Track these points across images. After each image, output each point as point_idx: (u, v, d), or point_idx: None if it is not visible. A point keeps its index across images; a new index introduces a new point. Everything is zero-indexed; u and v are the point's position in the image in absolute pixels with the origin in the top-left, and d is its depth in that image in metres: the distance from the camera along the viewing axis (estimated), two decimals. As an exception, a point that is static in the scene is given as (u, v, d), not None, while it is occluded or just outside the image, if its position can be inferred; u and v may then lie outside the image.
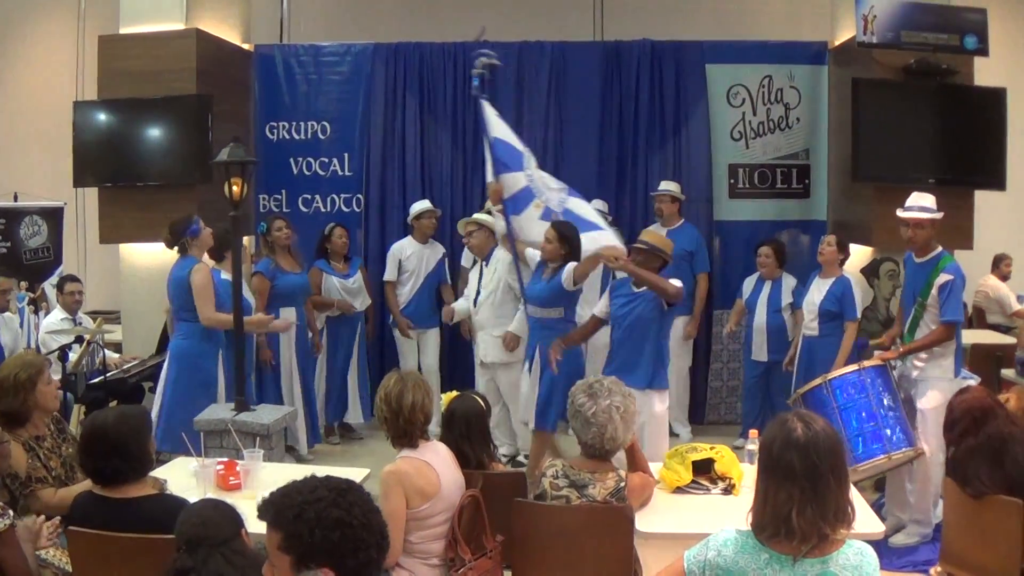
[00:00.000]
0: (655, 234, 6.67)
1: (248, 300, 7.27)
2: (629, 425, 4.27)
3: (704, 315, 8.79)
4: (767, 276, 8.06)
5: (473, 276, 8.13)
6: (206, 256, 7.09)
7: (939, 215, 6.08)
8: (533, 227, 7.03)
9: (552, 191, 7.17)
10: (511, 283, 7.55)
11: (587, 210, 7.19)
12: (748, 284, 8.28)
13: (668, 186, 8.60)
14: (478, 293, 7.86)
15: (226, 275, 7.02)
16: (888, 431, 5.86)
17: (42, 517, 4.06)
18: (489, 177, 7.45)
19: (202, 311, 6.72)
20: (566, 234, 6.82)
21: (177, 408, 6.65)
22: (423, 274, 8.54)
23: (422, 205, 8.68)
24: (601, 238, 6.91)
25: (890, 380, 6.07)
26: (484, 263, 7.85)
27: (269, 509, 2.57)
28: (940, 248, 6.13)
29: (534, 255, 7.17)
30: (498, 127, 7.25)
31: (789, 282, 8.01)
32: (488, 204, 7.89)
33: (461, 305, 8.11)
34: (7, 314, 8.26)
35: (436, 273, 8.68)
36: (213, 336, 6.84)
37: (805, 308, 7.53)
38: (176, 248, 6.88)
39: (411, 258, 8.50)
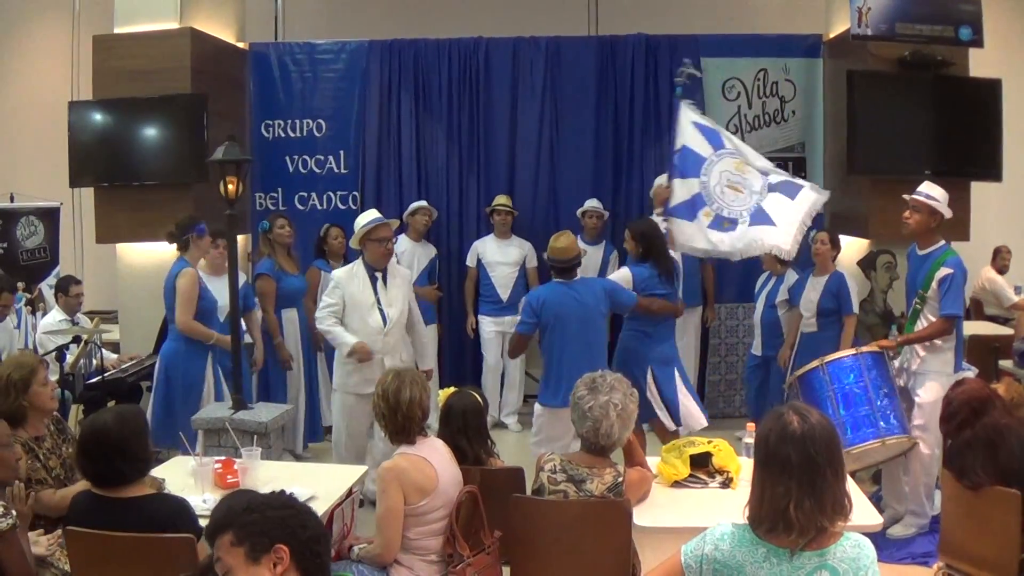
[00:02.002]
0: (554, 245, 6.61)
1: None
2: (626, 424, 4.25)
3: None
4: (771, 271, 8.06)
5: (359, 289, 6.66)
6: (203, 262, 7.12)
7: (940, 207, 6.04)
8: (698, 235, 6.87)
9: (748, 192, 6.96)
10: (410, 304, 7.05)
11: (779, 205, 6.88)
12: (761, 279, 8.31)
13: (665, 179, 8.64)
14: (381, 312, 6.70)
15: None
16: (883, 416, 5.84)
17: (32, 497, 4.07)
18: (663, 180, 7.63)
19: (178, 316, 6.83)
20: (640, 232, 6.96)
21: (165, 408, 6.82)
22: (415, 272, 8.53)
23: (418, 203, 8.79)
24: (765, 235, 6.80)
25: (886, 368, 6.06)
26: (382, 276, 6.73)
27: (216, 517, 2.69)
28: (943, 242, 6.12)
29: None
30: (689, 135, 7.13)
31: (791, 278, 8.00)
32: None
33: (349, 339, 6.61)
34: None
35: (428, 272, 8.71)
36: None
37: (803, 306, 7.52)
38: (176, 246, 6.95)
39: (403, 255, 8.50)
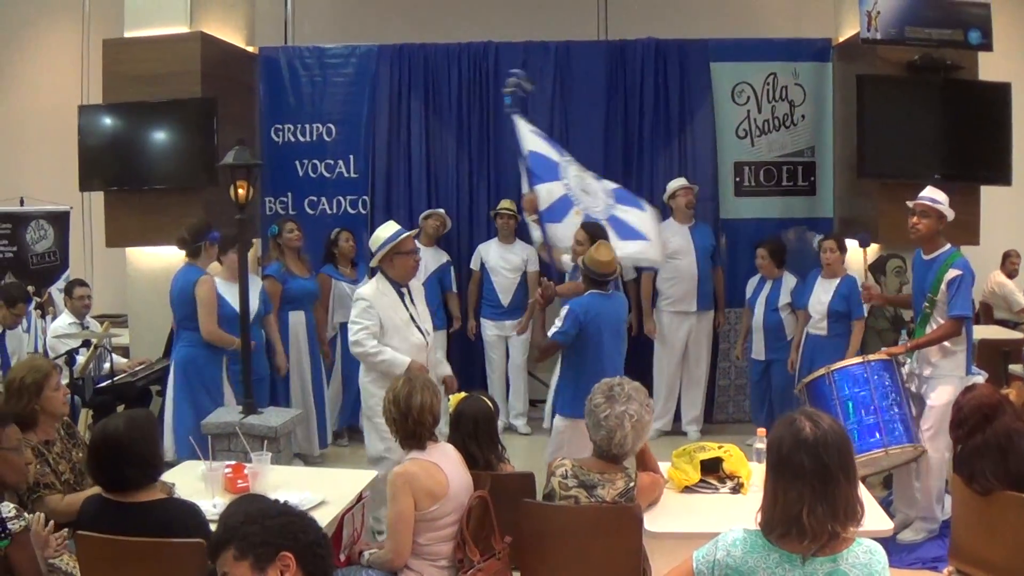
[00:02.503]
0: (595, 257, 6.30)
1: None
2: (640, 434, 4.25)
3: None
4: (767, 276, 8.07)
5: (392, 307, 6.10)
6: (220, 268, 7.17)
7: (946, 210, 6.04)
8: (571, 233, 7.05)
9: (595, 197, 7.33)
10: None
11: (637, 218, 7.31)
12: (751, 284, 8.32)
13: (685, 182, 8.66)
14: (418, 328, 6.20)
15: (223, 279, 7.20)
16: (889, 425, 5.83)
17: (50, 525, 4.07)
18: (524, 189, 7.66)
19: (204, 324, 6.84)
20: (596, 234, 6.85)
21: (186, 416, 6.76)
22: (422, 277, 8.53)
23: (433, 210, 8.85)
24: (644, 250, 7.27)
25: (895, 375, 6.05)
26: (407, 289, 6.25)
27: (215, 535, 2.73)
28: (949, 245, 6.11)
29: (570, 262, 7.27)
30: (532, 141, 7.34)
31: (789, 282, 7.99)
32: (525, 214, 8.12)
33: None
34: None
35: (438, 277, 8.71)
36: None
37: (812, 309, 7.52)
38: (186, 252, 6.96)
39: None
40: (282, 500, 2.89)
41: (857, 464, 5.56)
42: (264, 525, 2.63)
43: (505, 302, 8.81)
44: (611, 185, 7.59)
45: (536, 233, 7.69)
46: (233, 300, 6.92)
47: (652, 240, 7.32)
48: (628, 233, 7.22)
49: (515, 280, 8.85)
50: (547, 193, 7.17)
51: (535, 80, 8.09)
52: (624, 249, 7.04)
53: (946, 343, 6.03)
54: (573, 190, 7.29)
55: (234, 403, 6.85)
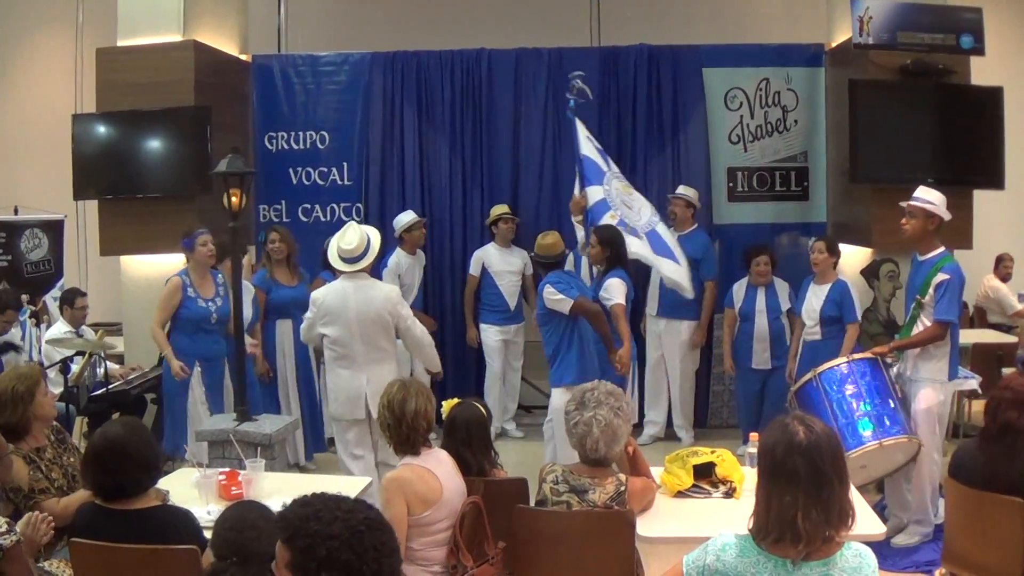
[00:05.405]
0: (542, 243, 7.00)
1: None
2: (612, 439, 4.22)
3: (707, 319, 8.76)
4: (762, 283, 8.02)
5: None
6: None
7: (937, 210, 6.01)
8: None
9: (638, 213, 7.82)
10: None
11: (673, 241, 7.89)
12: (739, 292, 8.15)
13: (685, 191, 8.58)
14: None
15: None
16: (878, 419, 5.85)
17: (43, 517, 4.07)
18: (576, 191, 7.97)
19: (154, 318, 6.95)
20: (607, 237, 7.09)
21: (166, 417, 6.95)
22: (417, 283, 8.64)
23: (409, 217, 8.68)
24: (673, 271, 7.69)
25: (882, 373, 6.06)
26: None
27: (286, 526, 2.50)
28: (943, 248, 6.11)
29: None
30: (586, 146, 7.84)
31: (783, 287, 7.96)
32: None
33: None
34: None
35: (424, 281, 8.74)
36: (198, 348, 6.99)
37: (805, 315, 7.48)
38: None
39: (407, 272, 8.53)
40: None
41: (853, 458, 5.66)
42: (319, 572, 2.41)
43: (512, 305, 8.78)
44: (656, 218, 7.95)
45: (580, 234, 7.94)
46: (206, 304, 7.07)
47: (683, 266, 7.74)
48: (663, 251, 7.64)
49: (518, 284, 8.84)
50: (592, 195, 7.63)
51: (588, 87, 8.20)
52: (659, 264, 7.65)
53: (930, 347, 6.04)
54: (612, 196, 7.67)
55: (199, 409, 6.98)
